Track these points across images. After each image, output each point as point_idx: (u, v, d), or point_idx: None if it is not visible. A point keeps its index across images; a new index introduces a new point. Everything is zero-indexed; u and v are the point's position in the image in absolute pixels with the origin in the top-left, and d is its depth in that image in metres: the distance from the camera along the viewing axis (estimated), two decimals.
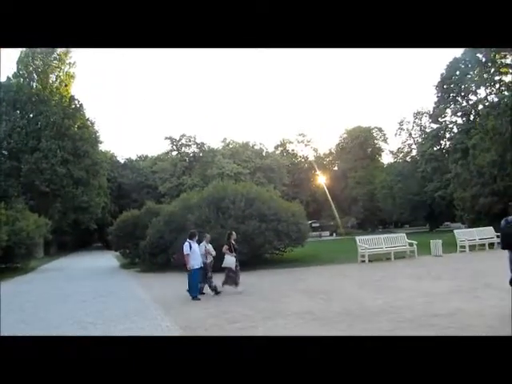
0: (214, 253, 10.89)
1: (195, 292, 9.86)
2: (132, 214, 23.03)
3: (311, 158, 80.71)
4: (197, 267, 9.94)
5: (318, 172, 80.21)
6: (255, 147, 65.09)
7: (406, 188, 50.11)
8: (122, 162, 61.98)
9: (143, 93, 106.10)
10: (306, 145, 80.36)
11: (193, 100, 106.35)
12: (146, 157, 66.99)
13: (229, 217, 15.61)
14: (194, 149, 60.60)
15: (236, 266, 10.78)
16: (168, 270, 16.61)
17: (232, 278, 10.62)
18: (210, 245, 11.03)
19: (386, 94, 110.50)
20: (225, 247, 10.99)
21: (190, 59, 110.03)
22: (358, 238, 15.83)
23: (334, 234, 58.78)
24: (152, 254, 18.12)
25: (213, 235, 14.94)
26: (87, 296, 11.43)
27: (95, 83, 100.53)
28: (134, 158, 65.57)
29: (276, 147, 79.70)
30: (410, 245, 15.99)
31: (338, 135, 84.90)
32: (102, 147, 51.20)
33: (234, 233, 11.44)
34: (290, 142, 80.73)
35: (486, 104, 27.69)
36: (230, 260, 10.76)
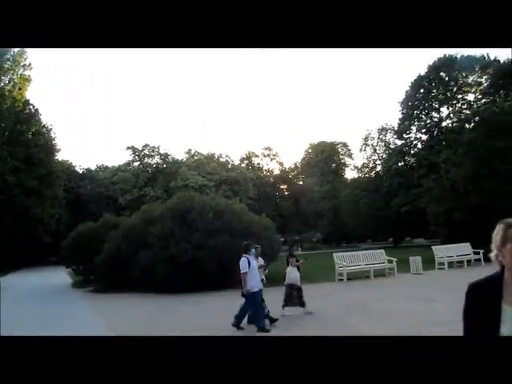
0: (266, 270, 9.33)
1: (261, 321, 7.88)
2: (88, 226, 20.95)
3: (277, 171, 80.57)
4: (256, 290, 7.95)
5: (284, 186, 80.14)
6: (221, 159, 63.84)
7: (371, 203, 50.27)
8: (81, 171, 58.91)
9: (105, 100, 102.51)
10: (271, 158, 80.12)
11: (157, 109, 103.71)
12: (106, 167, 64.17)
13: (195, 230, 14.18)
14: (157, 160, 58.52)
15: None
16: (126, 289, 14.86)
17: (298, 298, 9.08)
18: (261, 259, 9.23)
19: (352, 109, 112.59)
20: (293, 260, 9.52)
21: (155, 66, 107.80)
22: (335, 255, 14.73)
23: (300, 249, 58.28)
24: (108, 272, 16.29)
25: (178, 251, 13.55)
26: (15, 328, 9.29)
27: (55, 89, 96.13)
28: (93, 168, 62.65)
29: (241, 160, 78.97)
30: (389, 262, 15.11)
31: (303, 149, 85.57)
32: (60, 156, 48.39)
33: (296, 244, 10.38)
34: (256, 156, 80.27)
35: (461, 117, 27.73)
36: (294, 275, 9.27)
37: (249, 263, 8.00)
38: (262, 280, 8.58)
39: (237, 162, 72.01)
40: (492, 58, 42.76)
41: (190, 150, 63.38)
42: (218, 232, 14.06)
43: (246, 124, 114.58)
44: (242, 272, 7.91)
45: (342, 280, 14.03)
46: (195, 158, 62.48)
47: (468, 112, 31.71)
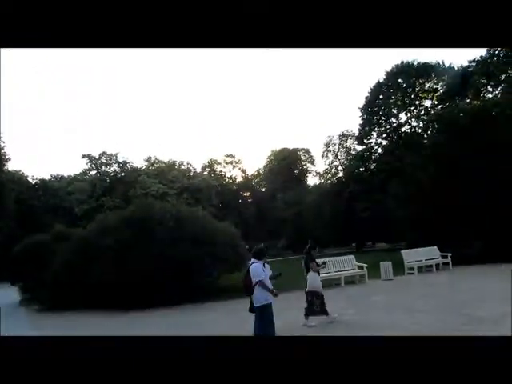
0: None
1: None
2: (36, 239, 19.21)
3: (239, 179, 79.96)
4: (270, 301, 6.67)
5: (247, 193, 79.56)
6: (182, 167, 62.33)
7: (334, 208, 50.44)
8: (33, 182, 55.67)
9: (60, 106, 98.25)
10: (234, 166, 79.49)
11: (115, 115, 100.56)
12: (62, 177, 61.13)
13: (155, 240, 13.04)
14: (115, 168, 56.30)
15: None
16: (78, 307, 13.45)
17: (321, 306, 8.47)
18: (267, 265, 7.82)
19: (313, 115, 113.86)
20: (314, 264, 8.78)
21: (112, 70, 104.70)
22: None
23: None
24: (58, 288, 14.79)
25: (134, 262, 12.39)
26: None
27: (5, 95, 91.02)
28: (47, 178, 59.43)
29: (203, 168, 77.84)
30: (359, 268, 14.55)
31: (266, 156, 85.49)
32: (10, 166, 45.40)
33: (316, 247, 9.47)
34: (218, 163, 79.39)
35: (424, 120, 27.95)
36: (317, 281, 8.64)
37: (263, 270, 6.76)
38: (273, 291, 7.36)
39: (199, 170, 70.87)
40: (447, 65, 44.20)
41: (149, 157, 61.51)
42: (180, 241, 13.01)
43: (207, 131, 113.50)
44: (256, 280, 6.47)
45: None
46: (155, 165, 60.67)
47: (428, 115, 32.09)
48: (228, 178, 79.36)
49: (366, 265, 14.38)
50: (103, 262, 13.09)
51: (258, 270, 6.60)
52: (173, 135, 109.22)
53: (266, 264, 7.19)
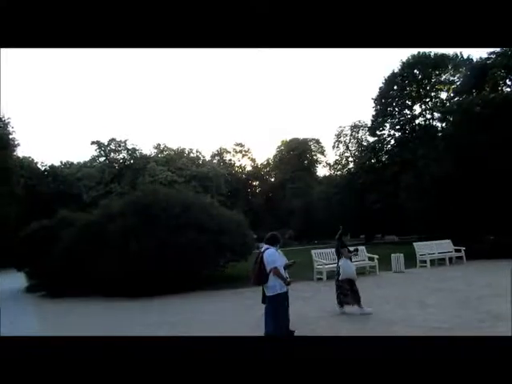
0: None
1: (277, 328, 5.92)
2: (41, 224, 18.98)
3: (248, 168, 79.58)
4: (284, 290, 6.08)
5: (256, 182, 79.21)
6: (191, 155, 61.98)
7: (344, 200, 49.88)
8: (43, 168, 55.74)
9: (70, 94, 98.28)
10: (243, 155, 79.11)
11: (124, 102, 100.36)
12: (72, 164, 61.22)
13: (159, 226, 12.71)
14: (124, 155, 56.17)
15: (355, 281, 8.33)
16: (81, 294, 13.24)
17: (355, 294, 8.08)
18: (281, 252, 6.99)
19: (325, 105, 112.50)
20: (346, 250, 8.42)
21: (122, 58, 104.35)
22: (313, 252, 13.60)
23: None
24: (62, 273, 14.58)
25: (139, 248, 12.10)
26: None
27: (17, 83, 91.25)
28: (57, 164, 59.51)
29: (213, 156, 77.53)
30: (370, 259, 14.11)
31: (276, 146, 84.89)
32: (20, 152, 45.48)
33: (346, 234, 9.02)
34: (228, 152, 79.04)
35: (442, 110, 27.10)
36: (350, 268, 8.29)
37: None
38: (286, 279, 6.84)
39: (208, 158, 70.58)
40: (465, 56, 42.97)
41: (158, 144, 61.25)
42: (185, 228, 12.66)
43: (217, 119, 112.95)
44: (272, 266, 5.89)
45: (321, 279, 12.92)
46: (164, 153, 60.40)
47: (445, 107, 31.25)
48: (237, 166, 79.02)
49: (377, 256, 13.94)
50: (106, 249, 12.82)
51: (274, 255, 6.10)
52: (183, 123, 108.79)
53: (279, 251, 6.80)
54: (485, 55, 40.97)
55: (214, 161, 74.62)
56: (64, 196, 51.57)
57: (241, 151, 79.06)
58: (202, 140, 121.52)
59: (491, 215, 16.46)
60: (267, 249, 6.23)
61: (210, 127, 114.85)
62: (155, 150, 60.88)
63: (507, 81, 34.99)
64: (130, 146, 55.65)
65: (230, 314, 9.19)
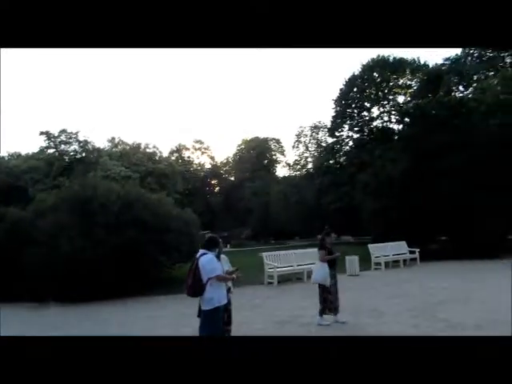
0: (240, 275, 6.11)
1: None
2: None
3: (208, 166, 78.32)
4: (222, 303, 5.20)
5: (215, 181, 78.04)
6: (147, 150, 59.87)
7: (302, 200, 49.87)
8: None
9: (20, 81, 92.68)
10: (202, 152, 77.71)
11: (77, 93, 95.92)
12: (19, 155, 57.45)
13: (97, 224, 11.49)
14: (75, 147, 53.23)
15: (334, 284, 7.32)
16: (9, 298, 11.75)
17: (327, 302, 7.13)
18: (225, 257, 6.15)
19: (286, 105, 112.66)
20: (323, 253, 7.33)
21: (75, 51, 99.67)
22: (265, 255, 12.76)
23: (228, 246, 56.69)
24: None
25: (71, 249, 10.86)
26: None
27: None
28: (3, 155, 55.69)
29: (171, 153, 75.57)
30: None
31: (236, 145, 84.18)
32: None
33: (332, 233, 7.82)
34: (187, 149, 77.36)
35: (400, 110, 27.30)
36: (319, 273, 7.24)
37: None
38: (229, 289, 5.87)
39: (166, 155, 68.62)
40: (422, 62, 43.94)
41: (113, 138, 58.75)
42: (126, 226, 11.52)
43: (177, 115, 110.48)
44: (209, 276, 5.00)
45: (271, 283, 12.15)
46: (119, 147, 57.93)
47: (403, 108, 31.64)
48: (196, 164, 77.52)
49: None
50: (36, 248, 11.45)
51: (212, 262, 5.15)
52: (140, 117, 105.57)
53: (221, 256, 5.89)
54: (440, 61, 42.18)
55: (172, 157, 72.70)
56: (9, 189, 48.20)
57: (200, 148, 77.61)
58: (160, 136, 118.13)
59: (445, 216, 16.42)
60: (203, 254, 5.29)
61: (169, 123, 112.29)
62: (109, 144, 58.30)
63: (460, 87, 35.98)
64: (81, 138, 52.83)
65: (159, 326, 8.03)
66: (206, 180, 75.93)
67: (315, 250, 13.88)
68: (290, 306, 8.96)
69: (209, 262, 5.13)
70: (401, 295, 9.45)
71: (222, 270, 5.58)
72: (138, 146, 59.74)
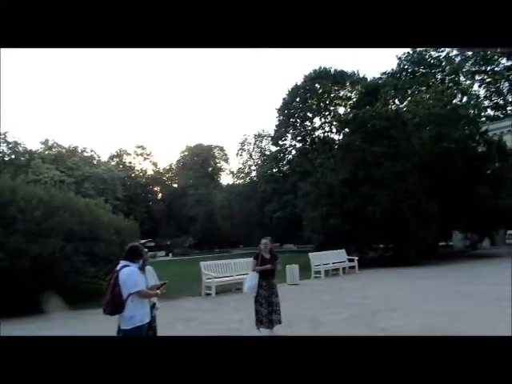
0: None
1: None
2: None
3: (150, 172, 76.24)
4: (145, 322, 4.52)
5: (157, 188, 76.01)
6: (85, 154, 57.01)
7: (245, 208, 49.76)
8: None
9: None
10: (145, 158, 75.54)
11: (10, 93, 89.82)
12: None
13: (15, 232, 10.34)
14: (3, 148, 49.38)
15: (268, 296, 6.61)
16: None
17: (267, 315, 6.56)
18: (150, 268, 5.40)
19: (230, 113, 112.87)
20: (255, 262, 6.77)
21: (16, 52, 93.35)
22: (202, 264, 12.16)
23: (171, 255, 55.18)
24: None
25: None
26: None
27: None
28: None
29: (111, 158, 72.75)
30: None
31: (179, 151, 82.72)
32: None
33: (267, 240, 6.98)
34: (128, 154, 74.85)
35: (340, 120, 27.95)
36: (246, 284, 6.80)
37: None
38: (154, 305, 5.18)
39: (105, 159, 65.86)
40: (361, 75, 45.69)
41: (46, 140, 55.17)
42: (48, 235, 10.46)
43: (118, 119, 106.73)
44: (130, 292, 4.41)
45: (209, 294, 11.59)
46: (54, 150, 54.60)
47: (343, 117, 32.56)
48: (138, 170, 75.15)
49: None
50: None
51: (134, 275, 4.53)
52: (78, 120, 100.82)
53: (147, 268, 5.28)
54: (378, 75, 44.13)
55: (113, 162, 69.96)
56: None
57: (142, 154, 75.41)
58: (100, 140, 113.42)
59: (382, 224, 16.79)
60: (125, 267, 4.68)
61: (110, 127, 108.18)
62: (42, 146, 54.77)
63: (396, 100, 37.77)
64: (10, 139, 49.12)
65: None
66: (147, 186, 73.76)
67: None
68: (226, 318, 8.48)
69: (130, 276, 4.54)
70: (339, 304, 9.30)
71: (147, 284, 5.02)
72: (75, 149, 56.75)
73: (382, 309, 8.37)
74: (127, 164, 74.01)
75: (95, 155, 59.37)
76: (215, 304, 10.45)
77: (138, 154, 74.90)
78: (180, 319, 8.55)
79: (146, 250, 5.42)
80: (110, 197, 52.49)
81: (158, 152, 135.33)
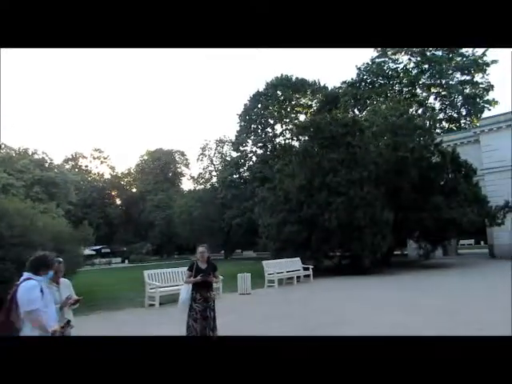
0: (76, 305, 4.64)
1: None
2: None
3: (107, 176, 73.74)
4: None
5: (114, 192, 73.64)
6: (36, 156, 54.22)
7: (205, 214, 48.90)
8: None
9: None
10: (102, 162, 72.99)
11: None
12: None
13: None
14: None
15: (205, 309, 5.96)
16: None
17: (190, 329, 5.95)
18: (66, 281, 4.69)
19: (192, 118, 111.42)
20: (188, 274, 6.06)
21: None
22: (146, 274, 11.35)
23: (127, 261, 53.31)
24: None
25: None
26: None
27: None
28: None
29: (66, 161, 69.78)
30: None
31: (139, 155, 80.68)
32: None
33: (204, 248, 6.20)
34: (84, 157, 72.07)
35: (299, 125, 27.85)
36: (182, 297, 6.08)
37: (41, 292, 4.06)
38: (68, 322, 4.40)
39: (59, 162, 62.92)
40: (322, 84, 46.17)
41: None
42: None
43: (74, 122, 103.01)
44: (26, 309, 3.75)
45: (153, 305, 10.80)
46: (1, 151, 51.54)
47: (302, 122, 32.55)
48: (94, 174, 72.52)
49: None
50: None
51: (33, 291, 3.82)
52: (31, 122, 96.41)
53: (61, 281, 4.57)
54: (338, 84, 44.73)
55: (67, 166, 67.07)
56: None
57: (99, 157, 72.82)
58: (55, 142, 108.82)
59: (337, 232, 16.59)
60: (26, 280, 3.95)
61: (66, 129, 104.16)
62: None
63: (355, 110, 38.31)
64: None
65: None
66: (104, 191, 71.22)
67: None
68: (166, 332, 7.79)
69: (27, 291, 3.80)
70: (284, 317, 8.78)
71: (57, 299, 4.32)
72: (25, 151, 53.78)
73: (326, 322, 7.90)
74: (83, 167, 71.35)
75: (47, 158, 56.58)
76: (158, 316, 9.69)
77: (94, 158, 72.36)
78: (113, 334, 7.76)
79: (59, 259, 4.72)
80: (63, 201, 50.15)
81: (117, 156, 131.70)
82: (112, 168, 74.34)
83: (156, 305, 10.74)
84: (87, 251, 52.78)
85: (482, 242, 36.52)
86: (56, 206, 42.34)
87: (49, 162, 56.31)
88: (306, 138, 19.53)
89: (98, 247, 56.54)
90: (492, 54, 53.73)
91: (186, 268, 6.46)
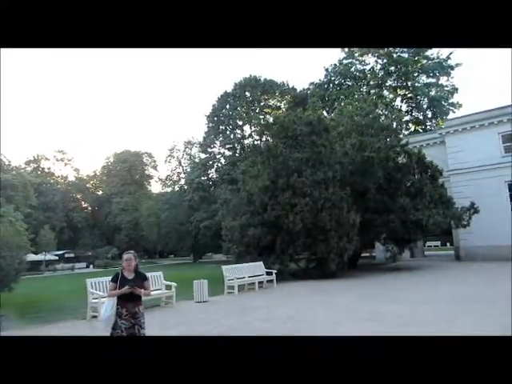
0: None
1: None
2: None
3: (72, 178, 71.18)
4: None
5: (79, 195, 71.17)
6: None
7: (173, 217, 47.65)
8: None
9: None
10: (65, 164, 70.39)
11: None
12: None
13: None
14: None
15: (132, 327, 5.04)
16: None
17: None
18: None
19: (159, 119, 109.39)
20: (112, 286, 5.25)
21: None
22: (88, 281, 10.12)
23: (92, 266, 51.32)
24: None
25: None
26: None
27: None
28: None
29: (27, 163, 66.81)
30: (168, 288, 11.61)
31: (105, 157, 78.35)
32: None
33: (131, 255, 5.38)
34: (47, 159, 69.25)
35: (262, 124, 27.23)
36: (104, 310, 5.15)
37: None
38: None
39: (18, 164, 60.11)
40: (290, 85, 45.84)
41: None
42: None
43: (35, 123, 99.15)
44: None
45: (96, 317, 9.79)
46: None
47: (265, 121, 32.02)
48: (57, 176, 69.79)
49: (175, 284, 11.49)
50: None
51: None
52: None
53: None
54: (306, 86, 44.50)
55: (29, 168, 64.25)
56: None
57: (62, 159, 70.21)
58: (15, 144, 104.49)
59: (302, 234, 15.98)
60: None
61: (27, 130, 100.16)
62: None
63: (324, 111, 38.07)
64: None
65: None
66: (68, 194, 68.63)
67: (160, 273, 12.06)
68: None
69: None
70: (242, 328, 8.02)
71: None
72: None
73: (282, 333, 7.21)
74: (46, 170, 68.58)
75: (5, 159, 53.91)
76: (96, 329, 8.70)
77: (58, 160, 69.71)
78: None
79: None
80: (22, 204, 47.77)
81: (82, 158, 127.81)
82: (76, 170, 72.05)
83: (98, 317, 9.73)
84: (49, 256, 50.64)
85: (448, 244, 36.93)
86: (14, 209, 40.30)
87: (6, 163, 53.71)
88: (270, 136, 18.84)
89: (61, 252, 54.30)
90: (456, 57, 55.01)
91: (109, 279, 5.59)
